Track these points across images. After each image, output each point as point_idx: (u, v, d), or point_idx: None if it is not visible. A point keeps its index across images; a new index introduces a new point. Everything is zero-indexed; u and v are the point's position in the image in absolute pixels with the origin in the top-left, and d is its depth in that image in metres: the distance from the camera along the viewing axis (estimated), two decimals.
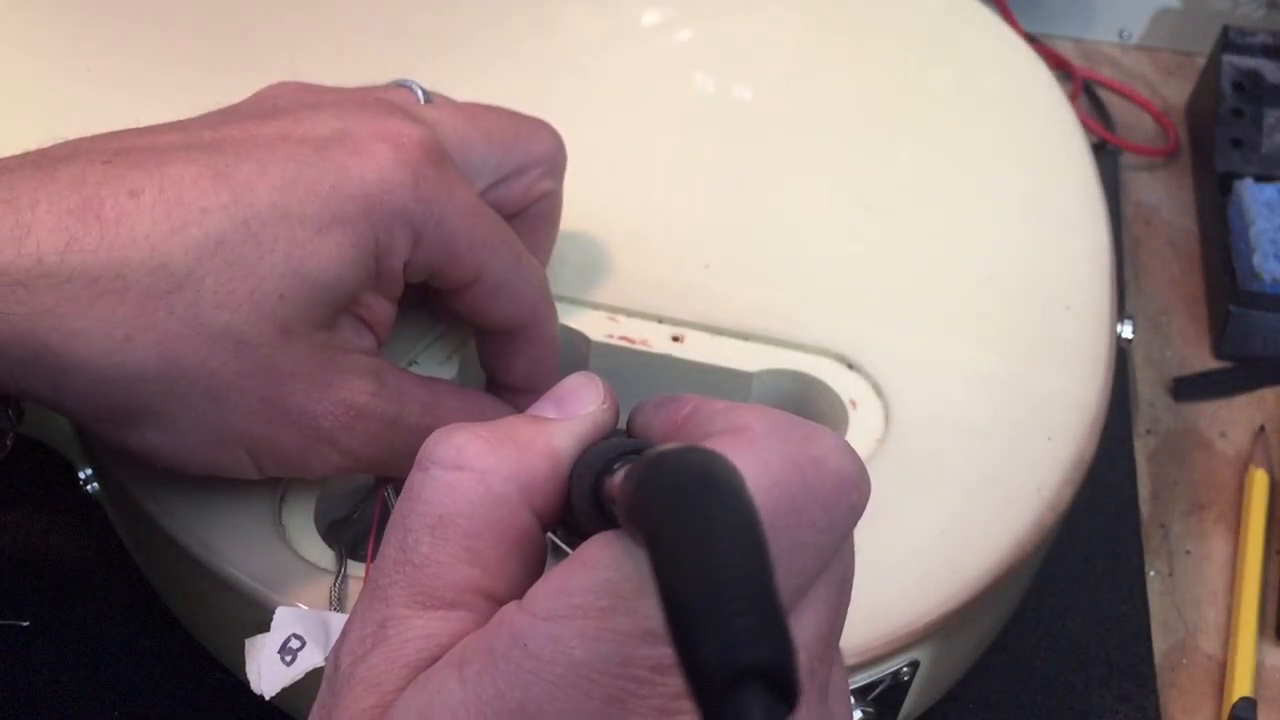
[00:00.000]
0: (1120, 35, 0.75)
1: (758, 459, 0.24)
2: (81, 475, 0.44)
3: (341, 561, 0.36)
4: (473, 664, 0.24)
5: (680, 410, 0.28)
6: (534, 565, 0.27)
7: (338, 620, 0.34)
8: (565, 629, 0.23)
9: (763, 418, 0.25)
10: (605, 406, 0.29)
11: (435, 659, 0.25)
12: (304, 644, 0.33)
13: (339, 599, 0.35)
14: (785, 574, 0.24)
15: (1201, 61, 0.71)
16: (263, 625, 0.34)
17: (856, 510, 0.25)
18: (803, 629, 0.25)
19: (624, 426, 0.31)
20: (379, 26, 0.54)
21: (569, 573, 0.24)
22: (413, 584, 0.26)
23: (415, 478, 0.27)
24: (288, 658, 0.33)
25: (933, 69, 0.55)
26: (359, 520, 0.39)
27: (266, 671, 0.33)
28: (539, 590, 0.24)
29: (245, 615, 0.36)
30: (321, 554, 0.36)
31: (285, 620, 0.34)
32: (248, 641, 0.34)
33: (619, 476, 0.25)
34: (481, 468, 0.26)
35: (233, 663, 0.42)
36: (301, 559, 0.36)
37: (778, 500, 0.24)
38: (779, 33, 0.56)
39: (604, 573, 0.23)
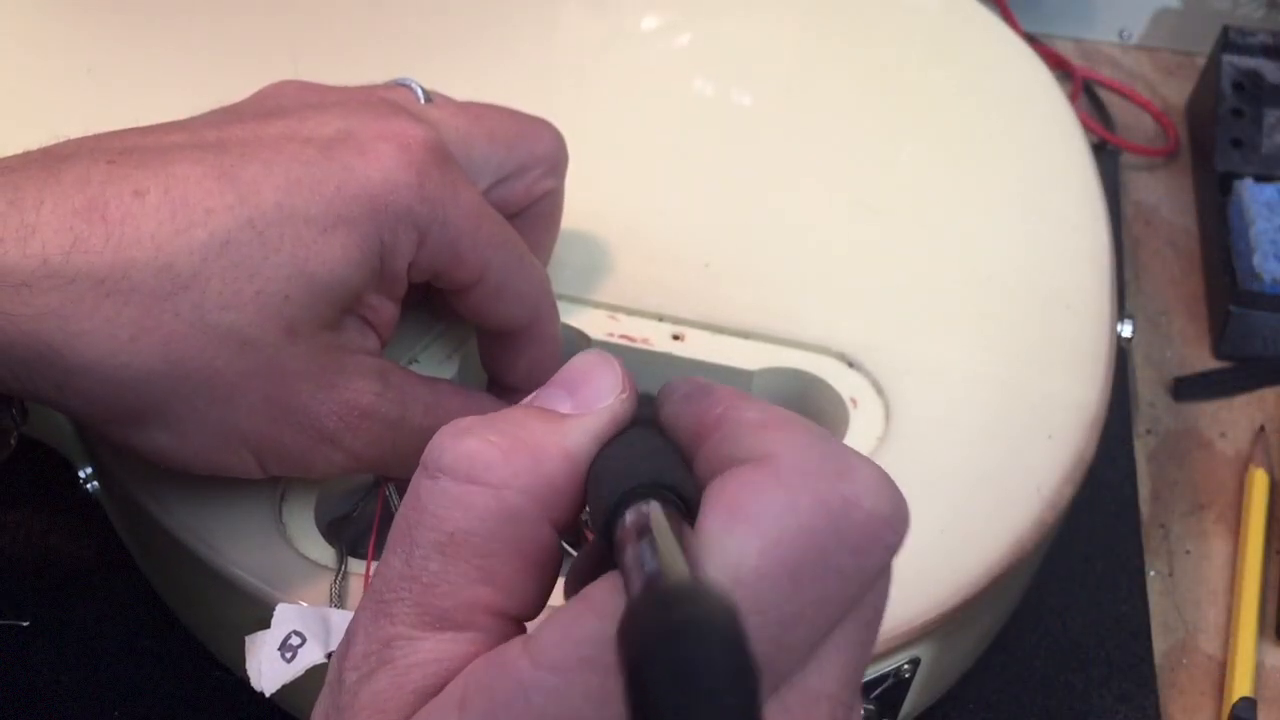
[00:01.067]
0: (1120, 35, 0.75)
1: (786, 500, 0.22)
2: (81, 474, 0.44)
3: (342, 559, 0.36)
4: (474, 706, 0.22)
5: (710, 410, 0.26)
6: (549, 577, 0.26)
7: (338, 617, 0.34)
8: (571, 684, 0.22)
9: (793, 446, 0.23)
10: (624, 397, 0.27)
11: (443, 683, 0.24)
12: (304, 641, 0.33)
13: (339, 596, 0.35)
14: (809, 628, 0.23)
15: (1201, 61, 0.71)
16: (263, 623, 0.34)
17: (892, 550, 0.23)
18: (826, 677, 0.23)
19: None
20: (380, 27, 0.54)
21: (578, 616, 0.22)
22: (421, 603, 0.24)
23: (423, 486, 0.25)
24: (288, 654, 0.33)
25: (932, 69, 0.55)
26: (359, 518, 0.39)
27: (267, 668, 0.33)
28: (546, 634, 0.22)
29: (245, 613, 0.36)
30: (322, 552, 0.36)
31: (286, 617, 0.34)
32: (248, 639, 0.34)
33: (630, 520, 0.23)
34: (496, 481, 0.24)
35: (233, 661, 0.42)
36: (302, 556, 0.36)
37: (805, 549, 0.22)
38: (779, 33, 0.56)
39: (613, 624, 0.21)
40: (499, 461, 0.25)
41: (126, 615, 0.45)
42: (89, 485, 0.44)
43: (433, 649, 0.24)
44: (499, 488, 0.24)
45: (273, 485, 0.37)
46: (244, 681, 0.33)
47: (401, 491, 0.38)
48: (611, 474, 0.24)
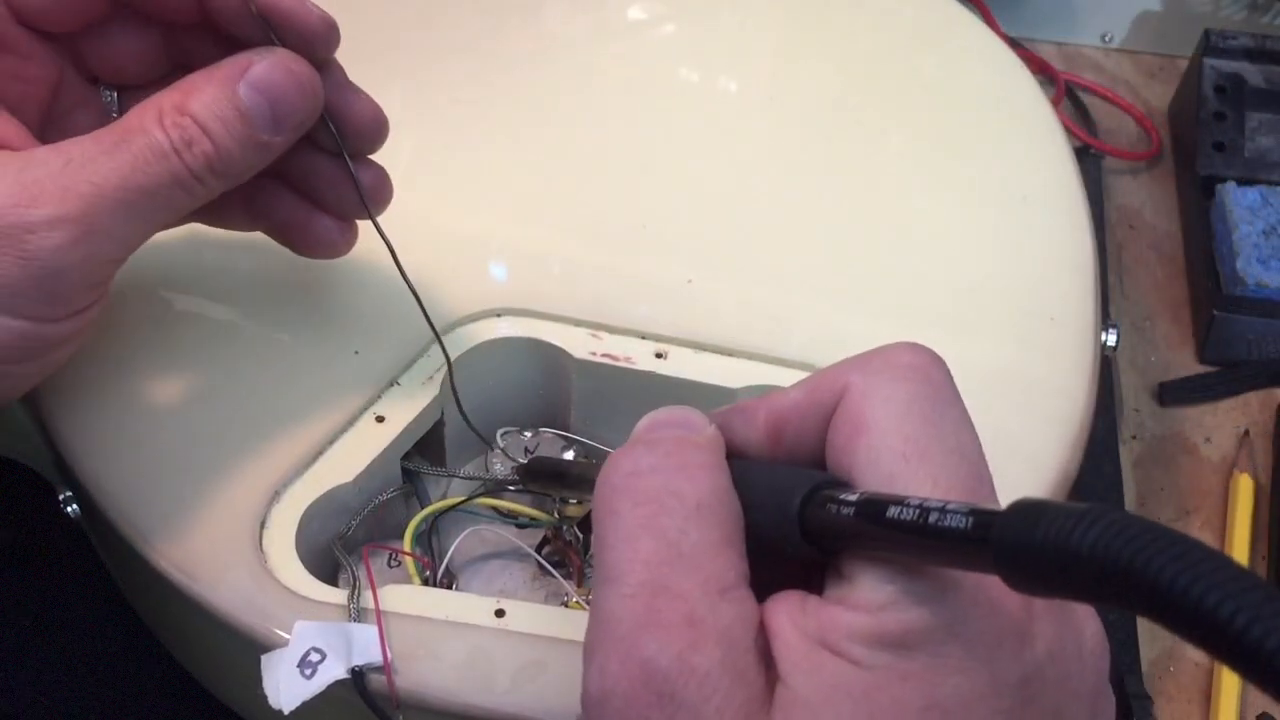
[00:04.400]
0: (1102, 38, 0.75)
1: None
2: (60, 497, 0.44)
3: (354, 574, 0.36)
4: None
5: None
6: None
7: (359, 631, 0.34)
8: (895, 682, 0.24)
9: None
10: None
11: (755, 640, 0.25)
12: (324, 657, 0.33)
13: (358, 611, 0.35)
14: None
15: (1183, 64, 0.71)
16: (245, 652, 0.34)
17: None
18: None
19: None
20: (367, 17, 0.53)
21: (878, 613, 0.24)
22: (700, 574, 0.26)
23: (647, 480, 0.27)
24: (307, 671, 0.33)
25: (915, 79, 0.54)
26: (356, 533, 0.39)
27: (285, 686, 0.32)
28: (851, 634, 0.25)
29: (227, 643, 0.36)
30: (301, 581, 0.36)
31: (305, 634, 0.33)
32: (264, 657, 0.33)
33: (836, 511, 0.25)
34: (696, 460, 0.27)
35: (218, 688, 0.42)
36: (282, 586, 0.36)
37: None
38: (760, 49, 0.55)
39: (918, 618, 0.24)
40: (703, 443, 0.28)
41: (127, 615, 0.45)
42: (69, 508, 0.44)
43: (732, 610, 0.26)
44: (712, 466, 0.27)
45: (254, 514, 0.37)
46: (227, 706, 0.33)
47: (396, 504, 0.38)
48: (777, 482, 0.27)
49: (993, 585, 0.24)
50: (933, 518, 0.23)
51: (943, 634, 0.24)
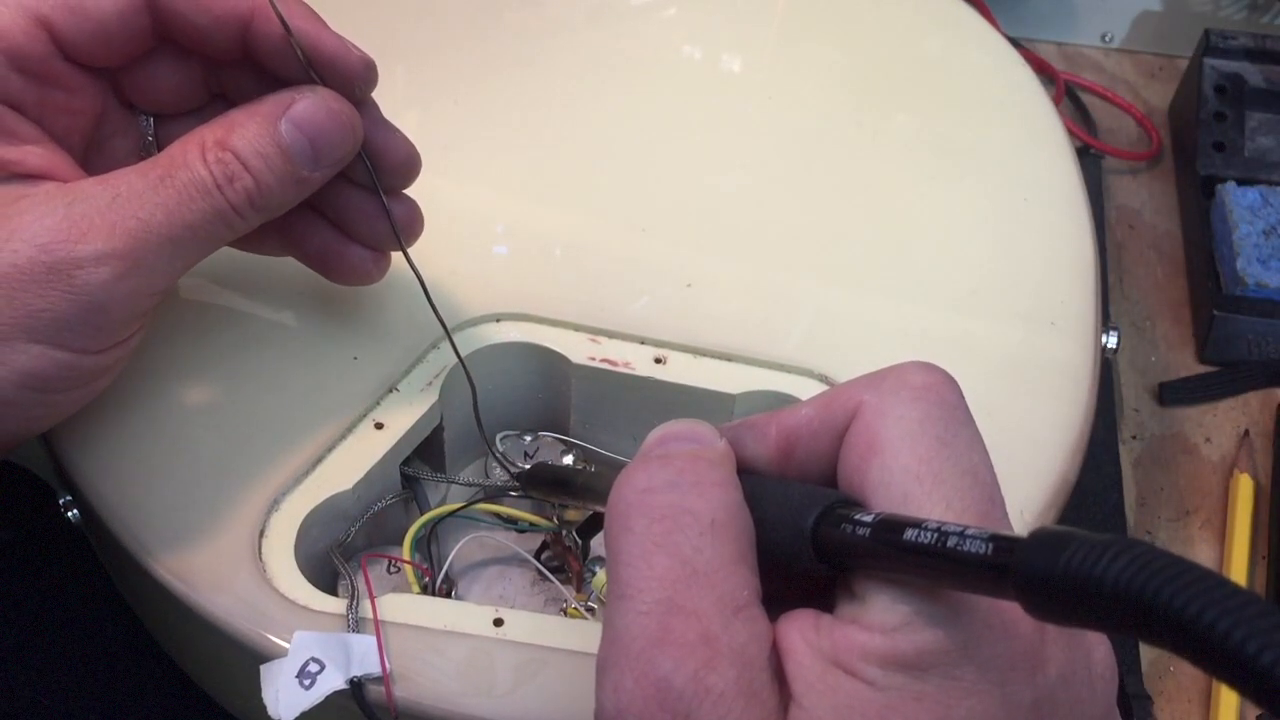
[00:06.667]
0: (1102, 38, 0.75)
1: None
2: (61, 501, 0.44)
3: (353, 583, 0.36)
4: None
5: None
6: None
7: (358, 642, 0.34)
8: (909, 703, 0.24)
9: None
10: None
11: (769, 659, 0.25)
12: (323, 667, 0.33)
13: (356, 621, 0.35)
14: None
15: (1183, 64, 0.71)
16: (244, 661, 0.34)
17: None
18: None
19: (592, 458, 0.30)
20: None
21: (892, 634, 0.24)
22: (715, 592, 0.26)
23: (662, 498, 0.27)
24: (306, 681, 0.33)
25: (917, 81, 0.54)
26: (355, 540, 0.39)
27: (284, 696, 0.33)
28: (865, 655, 0.25)
29: (226, 651, 0.36)
30: (300, 590, 0.36)
31: (303, 644, 0.33)
32: (263, 667, 0.33)
33: (851, 530, 0.25)
34: (711, 477, 0.27)
35: (217, 695, 0.42)
36: (282, 596, 0.36)
37: None
38: (761, 48, 0.55)
39: (932, 640, 0.24)
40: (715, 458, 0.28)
41: (127, 614, 0.45)
42: (69, 513, 0.44)
43: (746, 629, 0.25)
44: (718, 483, 0.27)
45: (253, 523, 0.37)
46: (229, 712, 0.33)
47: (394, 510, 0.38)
48: (791, 500, 0.27)
49: (1006, 608, 0.24)
50: (951, 542, 0.23)
51: (956, 656, 0.24)
